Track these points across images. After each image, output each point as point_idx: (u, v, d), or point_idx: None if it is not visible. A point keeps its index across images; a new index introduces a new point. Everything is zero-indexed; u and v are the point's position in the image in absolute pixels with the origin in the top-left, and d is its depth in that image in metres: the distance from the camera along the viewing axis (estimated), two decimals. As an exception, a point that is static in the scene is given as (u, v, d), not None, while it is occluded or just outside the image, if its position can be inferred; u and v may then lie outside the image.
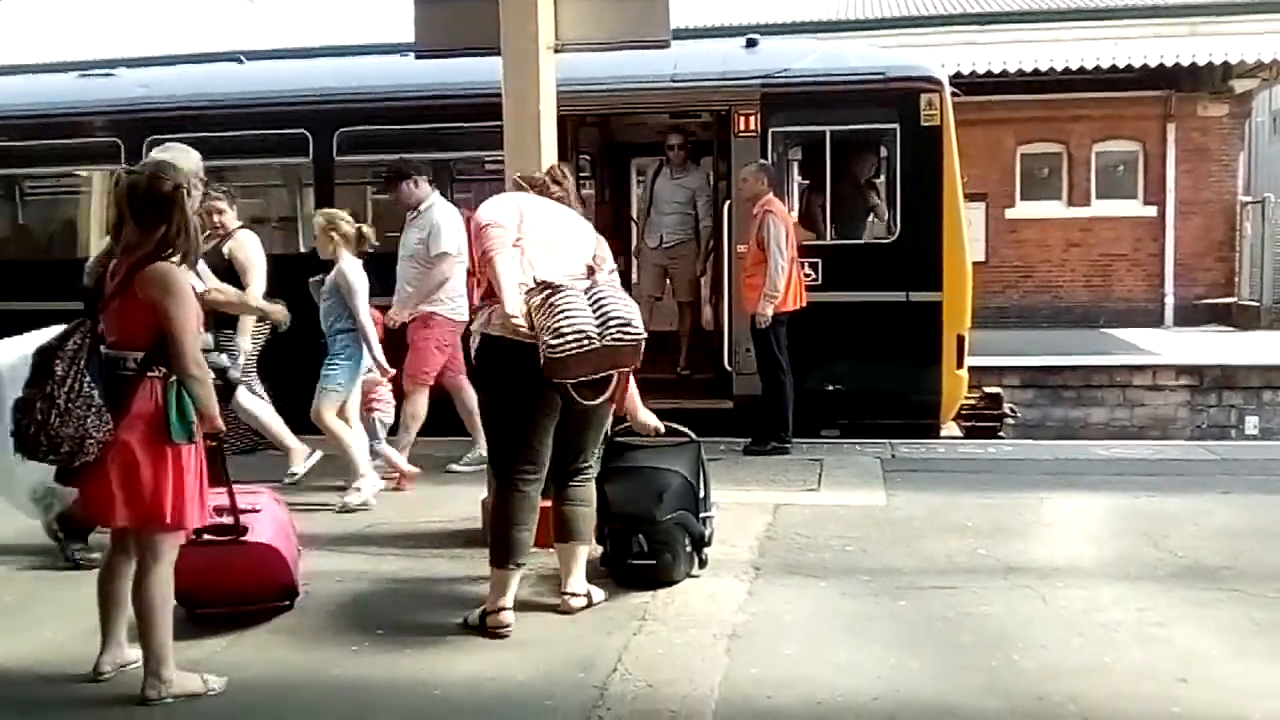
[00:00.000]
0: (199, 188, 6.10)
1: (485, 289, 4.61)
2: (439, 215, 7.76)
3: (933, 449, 8.59)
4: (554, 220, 4.80)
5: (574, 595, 4.83)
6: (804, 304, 8.47)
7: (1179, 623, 4.60)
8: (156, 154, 5.32)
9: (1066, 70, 16.49)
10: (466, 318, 7.68)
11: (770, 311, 8.21)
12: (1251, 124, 19.41)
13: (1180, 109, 18.14)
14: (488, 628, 4.55)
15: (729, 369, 9.23)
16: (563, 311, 4.38)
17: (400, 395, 7.61)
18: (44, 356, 3.82)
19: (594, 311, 4.45)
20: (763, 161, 8.64)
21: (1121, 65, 16.44)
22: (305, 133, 9.73)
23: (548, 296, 4.43)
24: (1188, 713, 3.75)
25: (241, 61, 11.68)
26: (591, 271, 4.74)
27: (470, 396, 7.50)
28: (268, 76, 10.98)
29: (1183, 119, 18.17)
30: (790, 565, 5.46)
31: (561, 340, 4.33)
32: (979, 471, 7.70)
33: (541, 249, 4.63)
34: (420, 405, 7.67)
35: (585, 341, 4.36)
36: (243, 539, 4.49)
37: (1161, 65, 16.50)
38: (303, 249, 10.40)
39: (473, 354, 4.72)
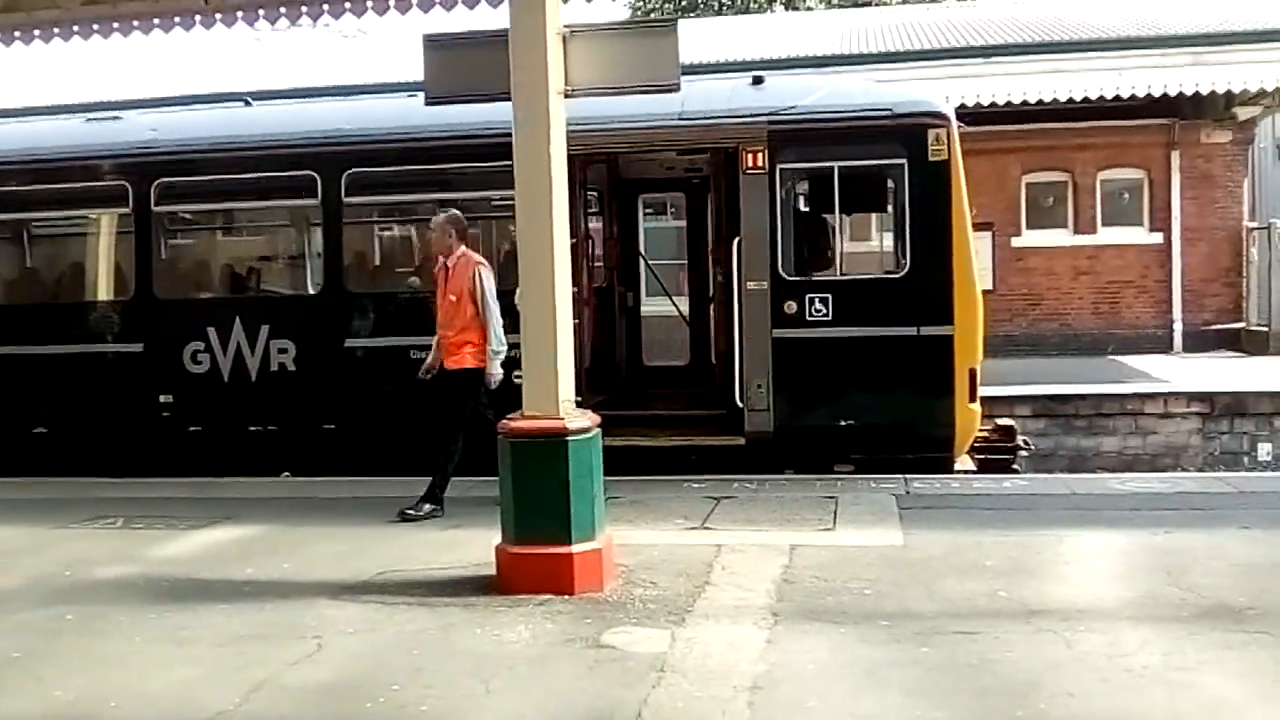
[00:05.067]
0: None
1: None
2: None
3: (948, 484, 8.53)
4: None
5: None
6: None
7: (1206, 667, 4.53)
8: None
9: (1070, 101, 16.52)
10: None
11: (499, 370, 7.77)
12: (1255, 150, 19.40)
13: (1184, 136, 18.15)
14: None
15: (740, 405, 9.18)
16: None
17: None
18: None
19: None
20: (453, 211, 8.26)
21: (1125, 95, 16.45)
22: (314, 175, 9.76)
23: None
24: (1220, 763, 3.69)
25: (249, 104, 11.74)
26: None
27: None
28: (275, 119, 11.03)
29: (1187, 146, 18.17)
30: (809, 611, 5.40)
31: None
32: (995, 508, 7.64)
33: None
34: None
35: None
36: None
37: (1165, 94, 16.52)
38: (311, 289, 10.44)
39: None
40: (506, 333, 7.60)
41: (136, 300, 10.30)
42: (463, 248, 8.00)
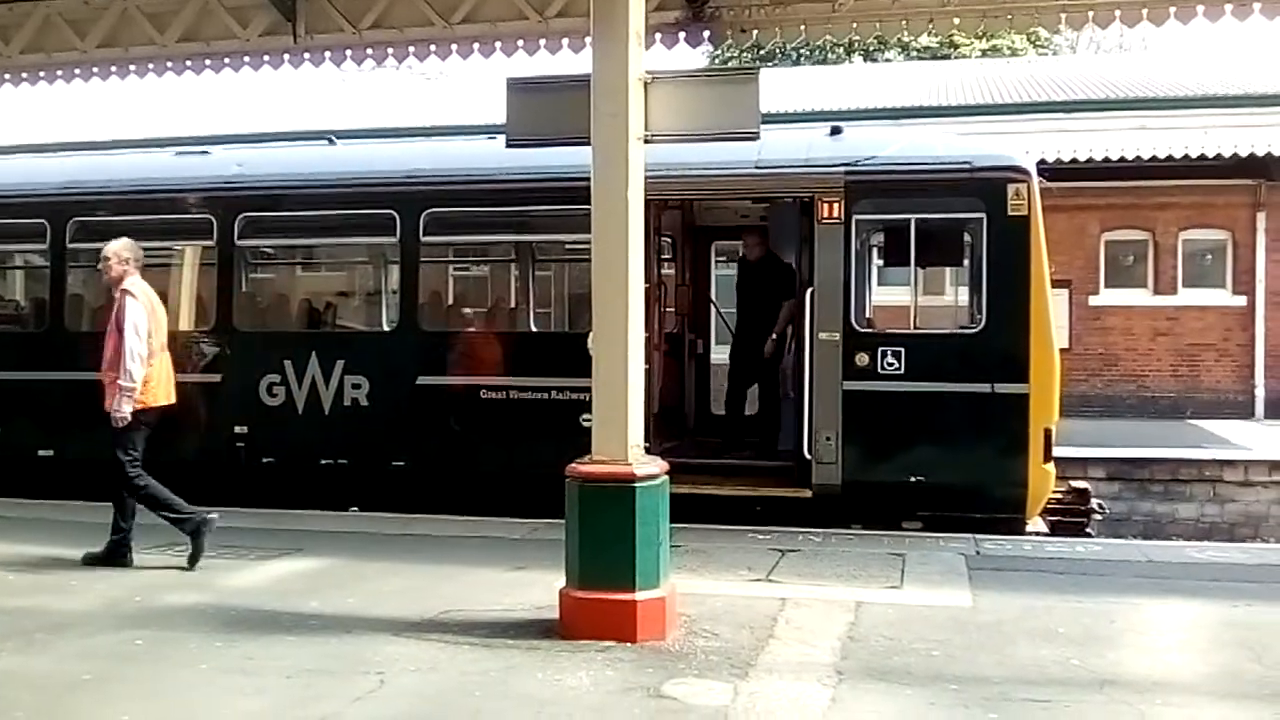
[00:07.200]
0: None
1: None
2: None
3: (1019, 546, 8.33)
4: None
5: None
6: (173, 400, 7.70)
7: (1290, 750, 4.37)
8: None
9: (1154, 158, 16.29)
10: None
11: (129, 410, 7.22)
12: (1344, 212, 19.00)
13: (1270, 197, 17.80)
14: None
15: (808, 457, 9.08)
16: None
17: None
18: None
19: None
20: (126, 239, 7.69)
21: (1211, 154, 16.18)
22: (393, 213, 9.91)
23: None
24: None
25: (333, 142, 11.99)
26: None
27: None
28: (357, 158, 11.25)
29: (1273, 207, 17.82)
30: (874, 670, 5.28)
31: None
32: (1068, 572, 7.43)
33: None
34: None
35: None
36: None
37: (1252, 154, 16.23)
38: (386, 326, 10.58)
39: None
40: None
41: (216, 331, 10.49)
42: (132, 278, 7.41)
